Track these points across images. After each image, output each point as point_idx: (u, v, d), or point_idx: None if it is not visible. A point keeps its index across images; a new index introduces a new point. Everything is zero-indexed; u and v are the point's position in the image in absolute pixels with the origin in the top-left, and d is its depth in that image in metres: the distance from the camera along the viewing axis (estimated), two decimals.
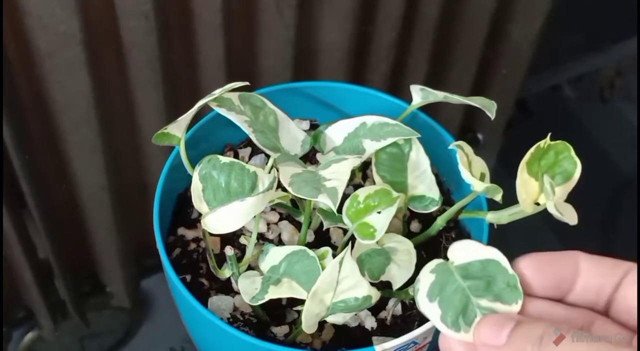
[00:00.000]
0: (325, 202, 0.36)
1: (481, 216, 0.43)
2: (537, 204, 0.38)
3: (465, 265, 0.36)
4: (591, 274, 0.33)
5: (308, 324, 0.38)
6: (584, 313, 0.34)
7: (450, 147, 0.40)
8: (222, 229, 0.37)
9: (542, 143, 0.38)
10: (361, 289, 0.38)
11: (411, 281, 0.41)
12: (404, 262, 0.41)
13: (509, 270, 0.35)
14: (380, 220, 0.40)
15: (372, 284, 0.39)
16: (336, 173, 0.38)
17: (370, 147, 0.43)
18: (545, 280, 0.34)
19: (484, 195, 0.40)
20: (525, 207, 0.38)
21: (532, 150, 0.38)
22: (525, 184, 0.38)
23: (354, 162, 0.39)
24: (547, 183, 0.37)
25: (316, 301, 0.38)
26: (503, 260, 0.35)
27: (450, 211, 0.44)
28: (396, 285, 0.41)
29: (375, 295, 0.38)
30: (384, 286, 0.42)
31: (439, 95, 0.46)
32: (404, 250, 0.41)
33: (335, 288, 0.38)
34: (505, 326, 0.31)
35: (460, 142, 0.41)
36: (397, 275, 0.41)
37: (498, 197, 0.40)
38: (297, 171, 0.38)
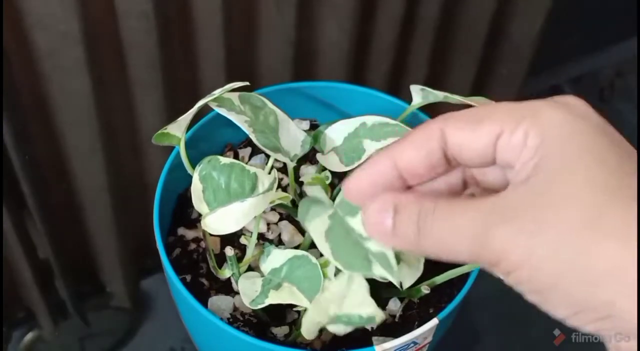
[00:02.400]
0: (384, 276, 0.35)
1: None
2: None
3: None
4: (464, 145, 0.30)
5: (308, 330, 0.38)
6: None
7: None
8: (222, 230, 0.37)
9: None
10: (367, 308, 0.38)
11: (419, 280, 0.41)
12: (413, 262, 0.41)
13: None
14: None
15: (376, 282, 0.39)
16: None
17: (370, 147, 0.43)
18: (413, 178, 0.31)
19: None
20: None
21: None
22: None
23: None
24: None
25: (319, 310, 0.38)
26: None
27: None
28: (406, 285, 0.41)
29: (380, 316, 0.38)
30: (387, 286, 0.42)
31: (439, 95, 0.46)
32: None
33: (341, 301, 0.38)
34: (385, 217, 0.30)
35: None
36: (407, 275, 0.41)
37: None
38: (326, 223, 0.36)
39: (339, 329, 0.39)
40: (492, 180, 0.31)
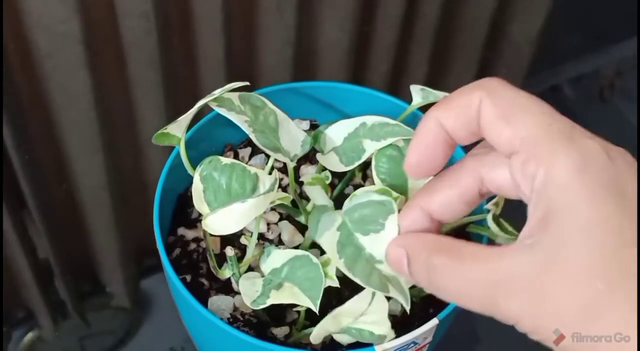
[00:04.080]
0: (398, 298, 0.36)
1: (488, 234, 0.43)
2: None
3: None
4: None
5: (317, 337, 0.38)
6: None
7: None
8: (222, 230, 0.37)
9: None
10: (382, 328, 0.38)
11: None
12: None
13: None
14: None
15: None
16: (383, 251, 0.35)
17: (370, 147, 0.43)
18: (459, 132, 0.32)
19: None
20: None
21: None
22: None
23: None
24: None
25: (334, 321, 0.38)
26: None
27: (455, 224, 0.44)
28: (408, 284, 0.41)
29: (390, 336, 0.38)
30: None
31: (439, 95, 0.46)
32: None
33: (358, 317, 0.38)
34: (401, 264, 0.32)
35: None
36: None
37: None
38: (336, 237, 0.37)
39: (344, 339, 0.39)
40: (501, 182, 0.32)
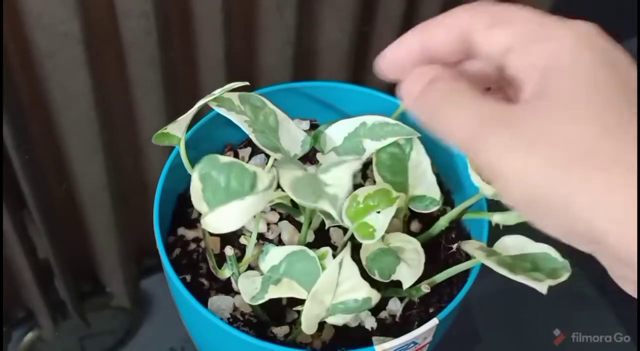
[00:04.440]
0: (327, 208, 0.36)
1: (486, 217, 0.43)
2: None
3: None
4: (476, 42, 0.32)
5: (308, 325, 0.38)
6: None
7: None
8: (222, 228, 0.37)
9: None
10: (361, 291, 0.38)
11: (418, 279, 0.41)
12: (413, 261, 0.41)
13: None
14: (380, 219, 0.40)
15: (376, 282, 0.39)
16: (336, 178, 0.37)
17: (371, 146, 0.43)
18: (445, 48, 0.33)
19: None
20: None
21: None
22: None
23: (353, 165, 0.39)
24: None
25: (316, 303, 0.38)
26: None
27: (454, 212, 0.44)
28: (407, 285, 0.41)
29: (375, 296, 0.38)
30: (387, 286, 0.42)
31: None
32: (412, 249, 0.41)
33: (335, 290, 0.38)
34: (422, 79, 0.32)
35: None
36: (407, 275, 0.41)
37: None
38: (297, 174, 0.38)
39: (338, 319, 0.39)
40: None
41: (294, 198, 0.36)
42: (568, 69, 0.28)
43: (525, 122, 0.28)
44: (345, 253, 0.38)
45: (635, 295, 0.28)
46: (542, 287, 0.36)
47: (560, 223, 0.27)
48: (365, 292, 0.38)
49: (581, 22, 0.31)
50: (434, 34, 0.33)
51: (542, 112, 0.28)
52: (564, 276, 0.37)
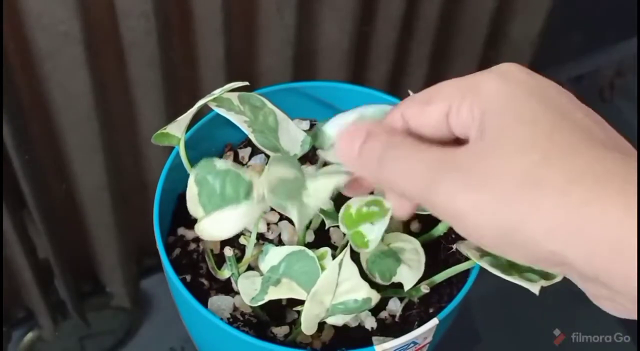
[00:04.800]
0: (291, 217, 0.35)
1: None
2: None
3: None
4: (421, 125, 0.32)
5: (308, 325, 0.38)
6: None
7: None
8: (216, 236, 0.37)
9: None
10: (361, 291, 0.38)
11: (419, 279, 0.41)
12: (414, 262, 0.41)
13: None
14: (374, 231, 0.39)
15: (375, 283, 0.39)
16: (318, 190, 0.36)
17: None
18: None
19: None
20: None
21: None
22: None
23: (338, 180, 0.37)
24: None
25: (316, 303, 0.38)
26: None
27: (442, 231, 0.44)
28: (407, 286, 0.41)
29: (375, 297, 0.38)
30: (386, 287, 0.41)
31: None
32: (412, 250, 0.41)
33: (334, 290, 0.38)
34: (356, 140, 0.32)
35: None
36: (408, 276, 0.41)
37: None
38: (285, 175, 0.36)
39: (338, 320, 0.39)
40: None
41: (267, 197, 0.35)
42: (499, 107, 0.29)
43: (471, 163, 0.28)
44: (345, 254, 0.38)
45: (613, 313, 0.28)
46: (534, 288, 0.36)
47: (523, 251, 0.27)
48: (365, 292, 0.38)
49: (503, 64, 0.32)
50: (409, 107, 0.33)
51: (484, 151, 0.28)
52: (558, 277, 0.37)
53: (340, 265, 0.38)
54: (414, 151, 0.30)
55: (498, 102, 0.29)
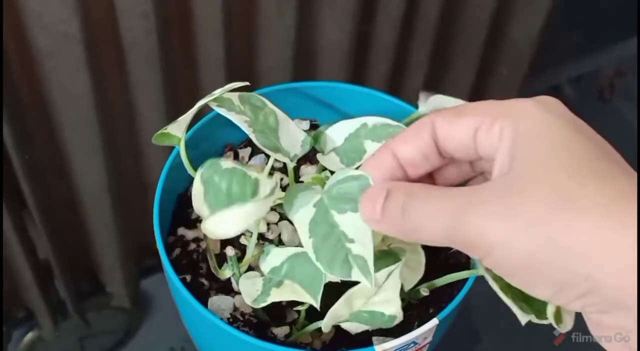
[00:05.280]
0: (362, 281, 0.35)
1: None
2: None
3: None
4: (448, 136, 0.32)
5: (328, 324, 0.38)
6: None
7: None
8: (221, 234, 0.37)
9: None
10: (393, 307, 0.38)
11: (419, 281, 0.41)
12: (414, 263, 0.41)
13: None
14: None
15: None
16: (357, 229, 0.35)
17: (371, 148, 0.43)
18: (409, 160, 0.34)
19: None
20: None
21: None
22: None
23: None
24: None
25: (347, 304, 0.38)
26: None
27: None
28: (408, 287, 0.41)
29: (400, 318, 0.38)
30: None
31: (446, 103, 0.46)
32: (412, 250, 0.41)
33: (370, 297, 0.38)
34: (377, 201, 0.32)
35: None
36: (408, 277, 0.41)
37: None
38: (310, 214, 0.36)
39: (353, 327, 0.39)
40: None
41: (321, 268, 0.35)
42: (535, 132, 0.29)
43: (500, 192, 0.28)
44: (399, 266, 0.38)
45: None
46: (523, 318, 0.36)
47: (552, 278, 0.27)
48: (395, 310, 0.37)
49: (548, 97, 0.31)
50: (401, 143, 0.34)
51: (516, 176, 0.28)
52: (548, 320, 0.36)
53: (389, 274, 0.38)
54: (437, 193, 0.30)
55: (534, 127, 0.29)
